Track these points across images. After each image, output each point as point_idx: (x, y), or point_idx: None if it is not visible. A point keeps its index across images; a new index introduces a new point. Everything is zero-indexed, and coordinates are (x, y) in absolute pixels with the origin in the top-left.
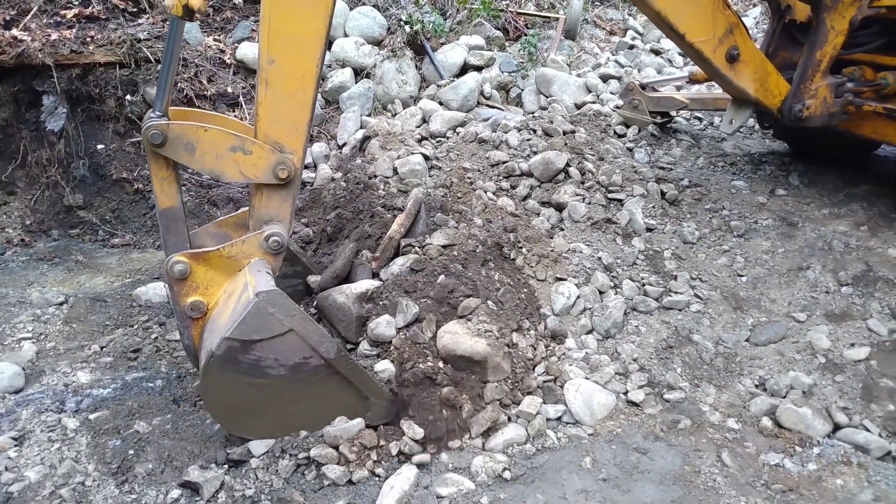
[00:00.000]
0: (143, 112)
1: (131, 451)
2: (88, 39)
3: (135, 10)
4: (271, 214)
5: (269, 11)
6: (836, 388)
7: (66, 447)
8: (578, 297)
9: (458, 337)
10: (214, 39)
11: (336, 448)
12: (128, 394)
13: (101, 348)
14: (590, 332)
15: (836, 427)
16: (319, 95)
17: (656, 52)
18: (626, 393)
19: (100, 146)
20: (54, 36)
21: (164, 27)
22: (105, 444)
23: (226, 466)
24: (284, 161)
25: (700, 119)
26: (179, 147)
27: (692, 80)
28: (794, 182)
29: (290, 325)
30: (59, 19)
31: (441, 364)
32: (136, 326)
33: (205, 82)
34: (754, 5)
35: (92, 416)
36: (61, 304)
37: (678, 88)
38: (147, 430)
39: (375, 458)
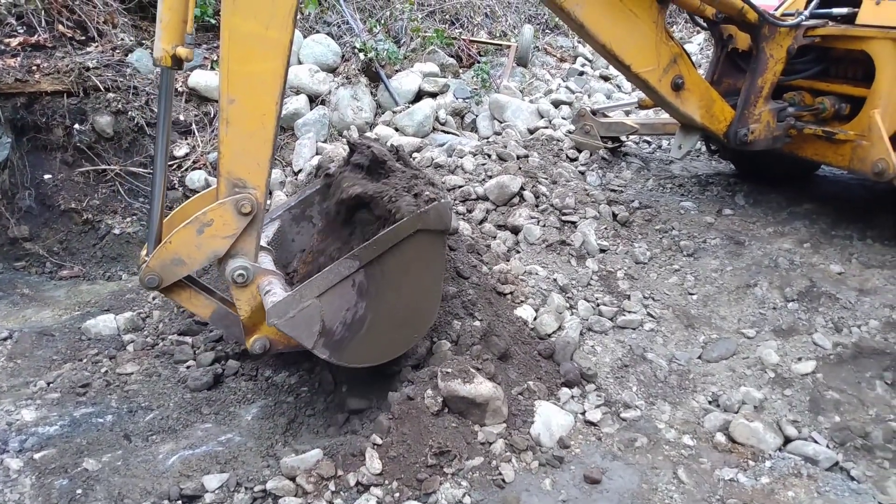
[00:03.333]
0: (91, 141)
1: (79, 491)
2: (34, 68)
3: (83, 38)
4: (236, 249)
5: (227, 52)
6: (786, 402)
7: (9, 489)
8: (536, 319)
9: None
10: None
11: (293, 479)
12: (76, 430)
13: (48, 384)
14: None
15: (787, 440)
16: None
17: (605, 78)
18: (583, 413)
19: (47, 176)
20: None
21: (112, 55)
22: (51, 485)
23: (179, 502)
24: (245, 197)
25: (649, 142)
26: (171, 269)
27: (641, 105)
28: (740, 202)
29: (310, 296)
30: (2, 48)
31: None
32: (85, 360)
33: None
34: (698, 32)
35: (37, 456)
36: (5, 339)
37: (627, 114)
38: (96, 467)
39: (333, 489)
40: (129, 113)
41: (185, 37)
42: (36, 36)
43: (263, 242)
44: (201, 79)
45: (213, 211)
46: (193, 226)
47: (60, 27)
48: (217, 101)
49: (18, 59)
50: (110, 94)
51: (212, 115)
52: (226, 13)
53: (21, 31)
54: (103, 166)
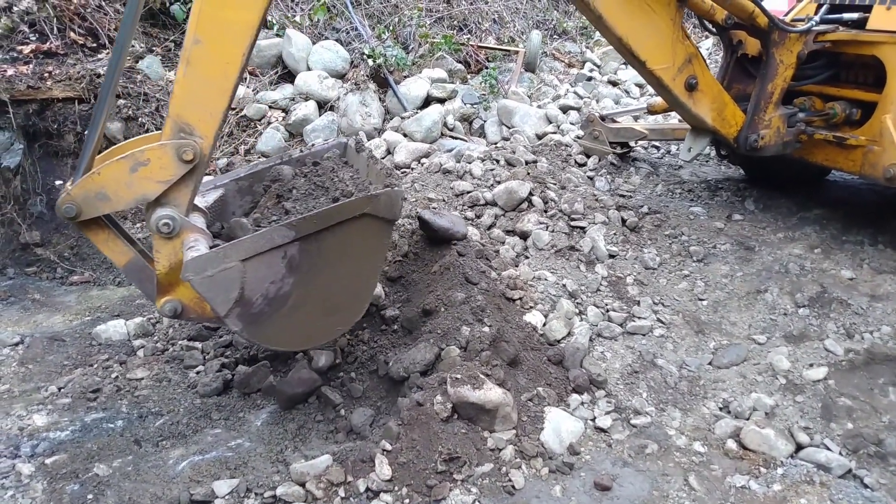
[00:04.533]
0: (102, 147)
1: (90, 496)
2: (46, 75)
3: (94, 45)
4: (169, 197)
5: None
6: (797, 409)
7: (21, 494)
8: (545, 325)
9: None
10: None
11: (303, 485)
12: (87, 436)
13: (59, 389)
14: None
15: (799, 447)
16: (283, 128)
17: (614, 84)
18: (593, 419)
19: (58, 182)
20: (10, 72)
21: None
22: (62, 490)
23: None
24: (190, 144)
25: (658, 148)
26: (94, 203)
27: (650, 111)
28: (750, 207)
29: (235, 258)
30: (15, 55)
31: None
32: (95, 366)
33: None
34: (706, 37)
35: (48, 461)
36: (17, 344)
37: (636, 119)
38: (107, 472)
39: (343, 495)
40: (140, 119)
41: None
42: (48, 43)
43: (202, 206)
44: None
45: (152, 151)
46: (127, 162)
47: (72, 34)
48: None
49: (31, 66)
50: (121, 101)
51: None
52: None
53: (33, 38)
54: None
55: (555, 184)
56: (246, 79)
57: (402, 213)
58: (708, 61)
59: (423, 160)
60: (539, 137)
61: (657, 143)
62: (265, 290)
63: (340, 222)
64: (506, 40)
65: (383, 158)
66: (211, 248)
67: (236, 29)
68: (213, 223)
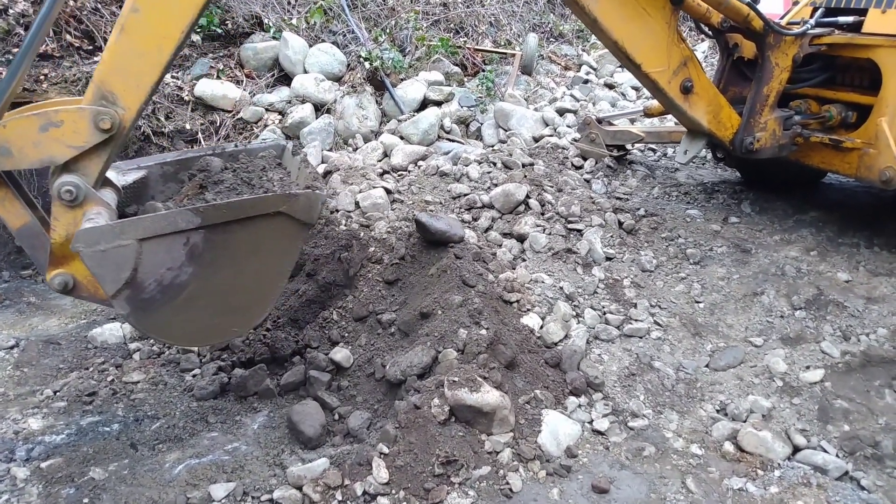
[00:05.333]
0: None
1: (86, 500)
2: (42, 77)
3: (90, 48)
4: (77, 165)
5: None
6: (794, 411)
7: (16, 498)
8: (542, 327)
9: None
10: (172, 76)
11: (300, 489)
12: (82, 439)
13: (55, 393)
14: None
15: (796, 449)
16: (280, 131)
17: (610, 87)
18: (590, 422)
19: None
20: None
21: None
22: (58, 494)
23: None
24: (109, 113)
25: (654, 150)
26: None
27: (647, 114)
28: (746, 210)
29: (132, 236)
30: (11, 58)
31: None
32: (91, 369)
33: (163, 119)
34: (702, 40)
35: (44, 465)
36: (12, 347)
37: (632, 122)
38: (103, 476)
39: (340, 499)
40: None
41: None
42: (43, 46)
43: (119, 184)
44: (207, 88)
45: (67, 113)
46: (39, 119)
47: (68, 37)
48: (223, 110)
49: None
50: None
51: (218, 124)
52: None
53: None
54: None
55: (552, 186)
56: (242, 81)
57: (318, 218)
58: (704, 64)
59: (420, 163)
60: (536, 140)
61: (654, 146)
62: (160, 276)
63: (253, 217)
64: (502, 43)
65: (380, 161)
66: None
67: (180, 4)
68: (130, 204)
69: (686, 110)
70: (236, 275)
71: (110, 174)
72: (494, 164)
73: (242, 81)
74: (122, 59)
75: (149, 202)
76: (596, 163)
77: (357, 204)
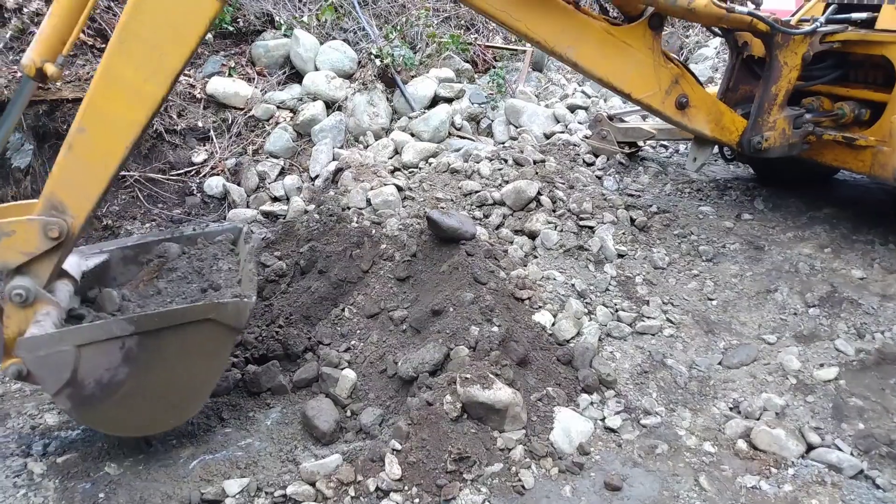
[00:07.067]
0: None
1: (101, 495)
2: None
3: (103, 46)
4: (29, 269)
5: (96, 85)
6: (808, 409)
7: (33, 493)
8: (554, 325)
9: None
10: (184, 74)
11: (313, 485)
12: (97, 435)
13: None
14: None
15: (810, 447)
16: (291, 128)
17: None
18: (603, 419)
19: None
20: (20, 73)
21: None
22: (74, 489)
23: None
24: (58, 223)
25: (666, 147)
26: None
27: None
28: (759, 206)
29: (70, 343)
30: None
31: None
32: None
33: (175, 117)
34: (715, 35)
35: (60, 460)
36: None
37: (644, 119)
38: (118, 471)
39: (353, 495)
40: None
41: (59, 57)
42: None
43: (83, 269)
44: (219, 85)
45: (19, 223)
46: None
47: (82, 35)
48: (234, 108)
49: None
50: None
51: (230, 122)
52: (110, 52)
53: None
54: (123, 172)
55: (563, 183)
56: (254, 79)
57: (247, 322)
58: (717, 60)
59: (431, 160)
60: (547, 137)
61: (665, 143)
62: (99, 377)
63: (184, 324)
64: (513, 39)
65: (391, 158)
66: (63, 321)
67: (121, 125)
68: (92, 287)
69: (686, 124)
70: (169, 375)
71: (72, 259)
72: (506, 160)
73: (254, 79)
74: (70, 173)
75: (105, 290)
76: (608, 159)
77: (368, 201)
